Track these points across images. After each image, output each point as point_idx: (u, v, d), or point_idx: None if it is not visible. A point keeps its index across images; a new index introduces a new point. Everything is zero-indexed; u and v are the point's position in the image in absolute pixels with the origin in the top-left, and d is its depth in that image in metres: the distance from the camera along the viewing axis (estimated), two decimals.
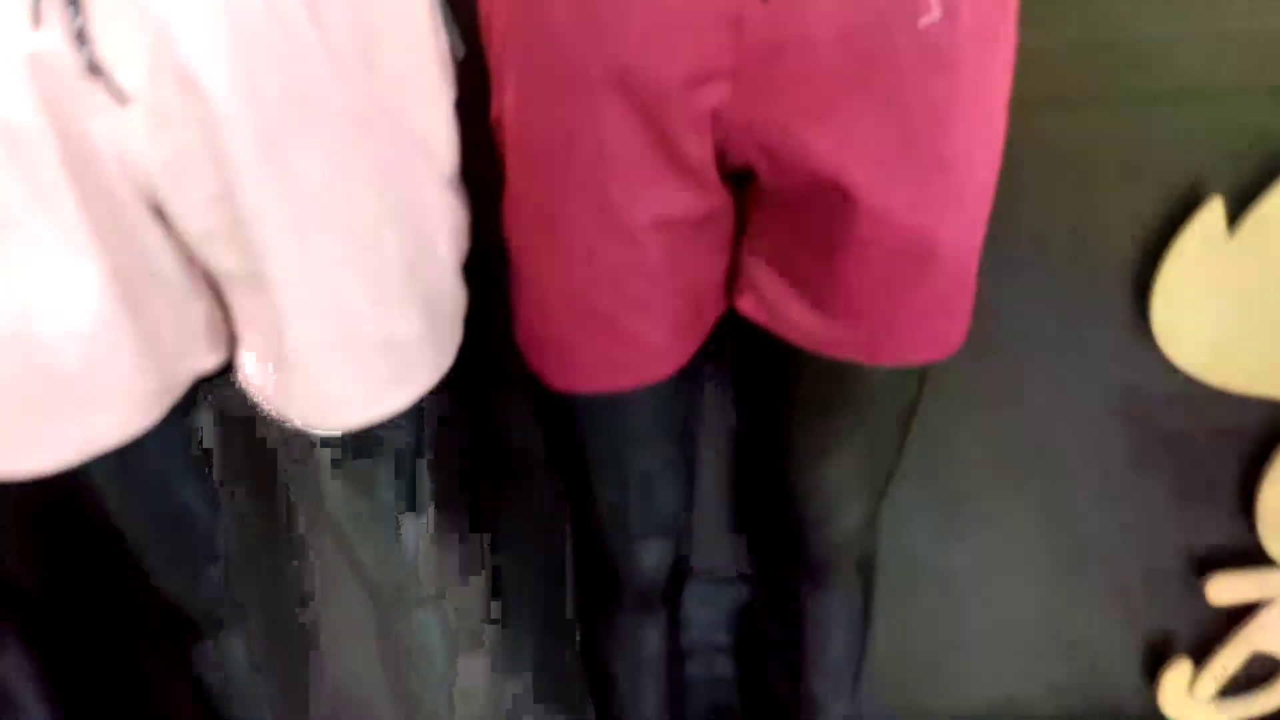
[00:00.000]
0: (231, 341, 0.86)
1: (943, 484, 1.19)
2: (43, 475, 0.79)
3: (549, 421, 0.93)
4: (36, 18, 0.63)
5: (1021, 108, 0.79)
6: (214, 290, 0.83)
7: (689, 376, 0.88)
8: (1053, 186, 1.02)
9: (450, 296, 0.84)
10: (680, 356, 0.85)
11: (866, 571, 1.07)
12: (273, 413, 0.84)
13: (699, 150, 0.73)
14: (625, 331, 0.81)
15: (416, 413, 0.86)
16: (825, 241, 0.76)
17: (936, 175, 0.73)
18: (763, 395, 0.96)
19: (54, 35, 0.64)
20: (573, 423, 0.90)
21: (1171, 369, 1.09)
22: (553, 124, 0.72)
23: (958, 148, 0.73)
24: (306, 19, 0.67)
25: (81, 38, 0.64)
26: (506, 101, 0.75)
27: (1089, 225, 1.05)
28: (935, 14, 0.67)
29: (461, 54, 0.78)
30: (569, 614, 1.13)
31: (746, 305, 0.86)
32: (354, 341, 0.78)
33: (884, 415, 0.90)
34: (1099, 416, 1.15)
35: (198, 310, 0.83)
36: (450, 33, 0.77)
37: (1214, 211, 1.00)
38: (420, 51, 0.74)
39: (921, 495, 1.16)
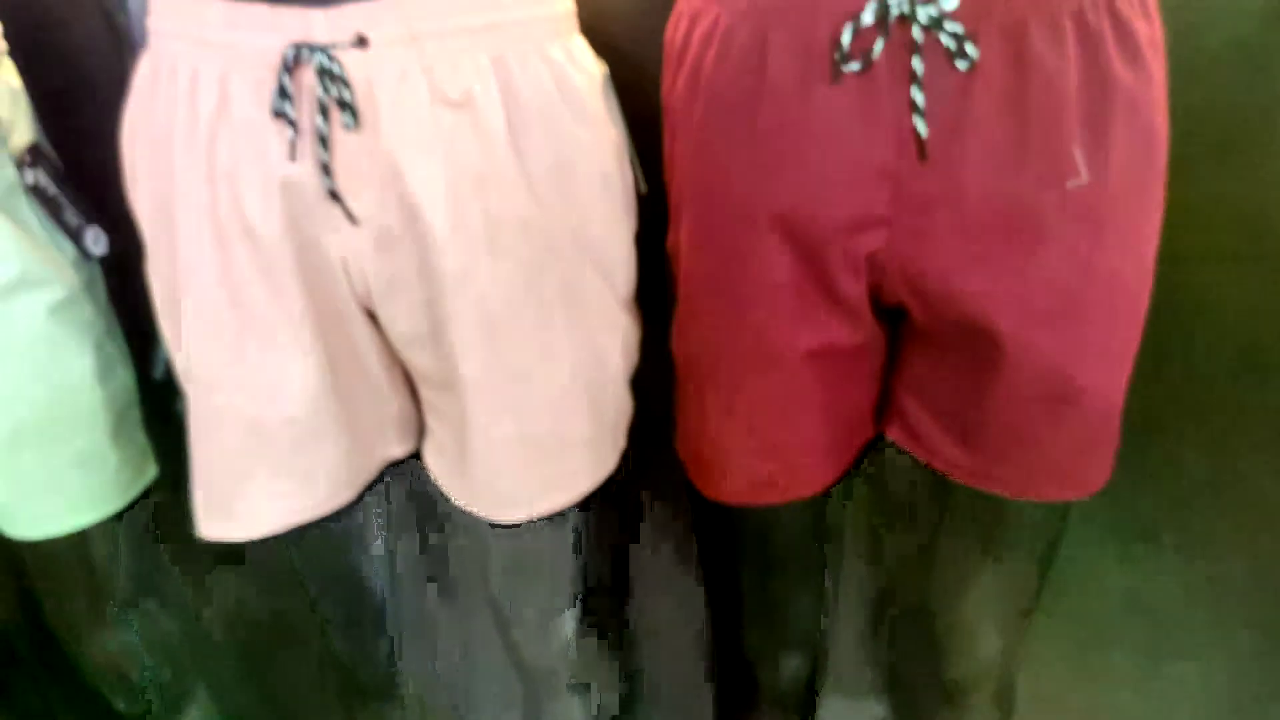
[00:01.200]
0: (419, 433, 0.96)
1: (1086, 623, 1.19)
2: (251, 539, 0.89)
3: (701, 527, 0.99)
4: (293, 153, 0.75)
5: (1180, 261, 0.82)
6: (409, 387, 0.93)
7: (837, 495, 0.93)
8: (1211, 334, 1.04)
9: (618, 405, 0.92)
10: (829, 476, 0.90)
11: (1005, 702, 1.08)
12: (450, 500, 0.93)
13: (854, 289, 0.79)
14: (779, 451, 0.86)
15: (579, 510, 0.93)
16: (972, 379, 0.81)
17: (1081, 323, 0.76)
18: (907, 518, 0.99)
19: (305, 167, 0.75)
20: (724, 531, 0.96)
21: None
22: (721, 258, 0.80)
23: (1102, 298, 0.76)
24: (513, 158, 0.77)
25: (326, 170, 0.75)
26: (682, 235, 0.83)
27: (1247, 371, 1.06)
28: (1083, 178, 0.72)
29: (644, 190, 0.87)
30: (708, 715, 1.17)
31: (895, 433, 0.91)
32: (529, 441, 0.86)
33: (1026, 547, 0.92)
34: (1254, 561, 1.14)
35: (394, 404, 0.93)
36: (635, 171, 0.86)
37: None
38: (609, 187, 0.83)
39: (1064, 633, 1.16)
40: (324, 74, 0.73)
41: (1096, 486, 0.86)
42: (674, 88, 0.81)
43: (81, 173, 0.94)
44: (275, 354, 0.82)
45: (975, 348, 0.79)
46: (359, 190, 0.77)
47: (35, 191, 0.90)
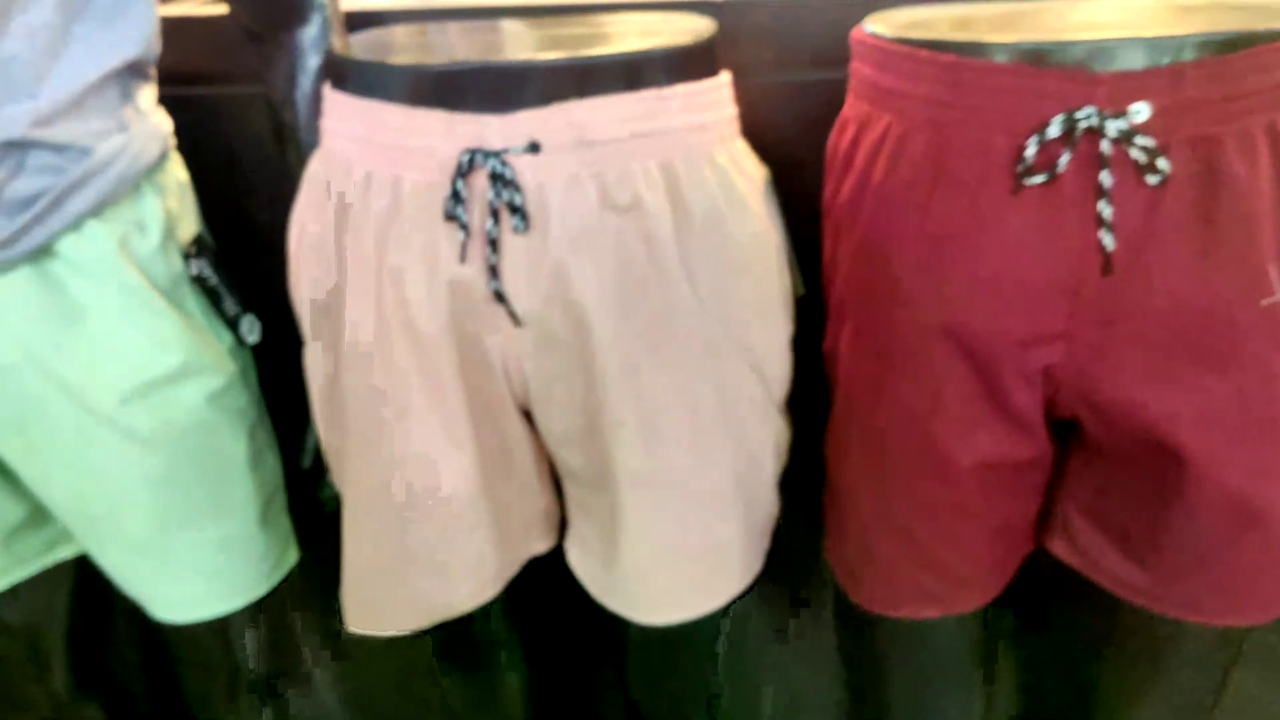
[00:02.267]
0: (561, 530, 0.95)
1: None
2: (398, 634, 0.88)
3: (848, 632, 0.96)
4: (464, 255, 0.75)
5: None
6: (555, 483, 0.93)
7: (993, 609, 0.90)
8: None
9: (768, 508, 0.90)
10: (990, 591, 0.87)
11: None
12: (595, 598, 0.91)
13: (1029, 402, 0.76)
14: (939, 563, 0.84)
15: (724, 613, 0.91)
16: (1151, 497, 0.78)
17: (1271, 444, 0.73)
18: (1067, 635, 0.95)
19: (474, 269, 0.76)
20: (875, 641, 0.93)
21: None
22: (888, 365, 0.78)
23: None
24: (677, 261, 0.76)
25: (494, 272, 0.75)
26: (843, 339, 0.82)
27: None
28: (1279, 295, 0.69)
29: (802, 292, 0.86)
30: None
31: (1059, 548, 0.87)
32: (681, 544, 0.85)
33: (1197, 673, 0.87)
34: None
35: (540, 500, 0.92)
36: (794, 273, 0.85)
37: None
38: (769, 290, 0.82)
39: None
40: (496, 179, 0.73)
41: (1277, 612, 0.81)
42: (838, 193, 0.80)
43: (236, 263, 0.97)
44: (431, 448, 0.83)
45: (1154, 464, 0.76)
46: (523, 292, 0.77)
47: (198, 282, 0.92)
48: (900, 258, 0.75)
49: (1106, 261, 0.69)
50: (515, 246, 0.76)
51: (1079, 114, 0.67)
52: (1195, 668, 0.87)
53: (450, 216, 0.74)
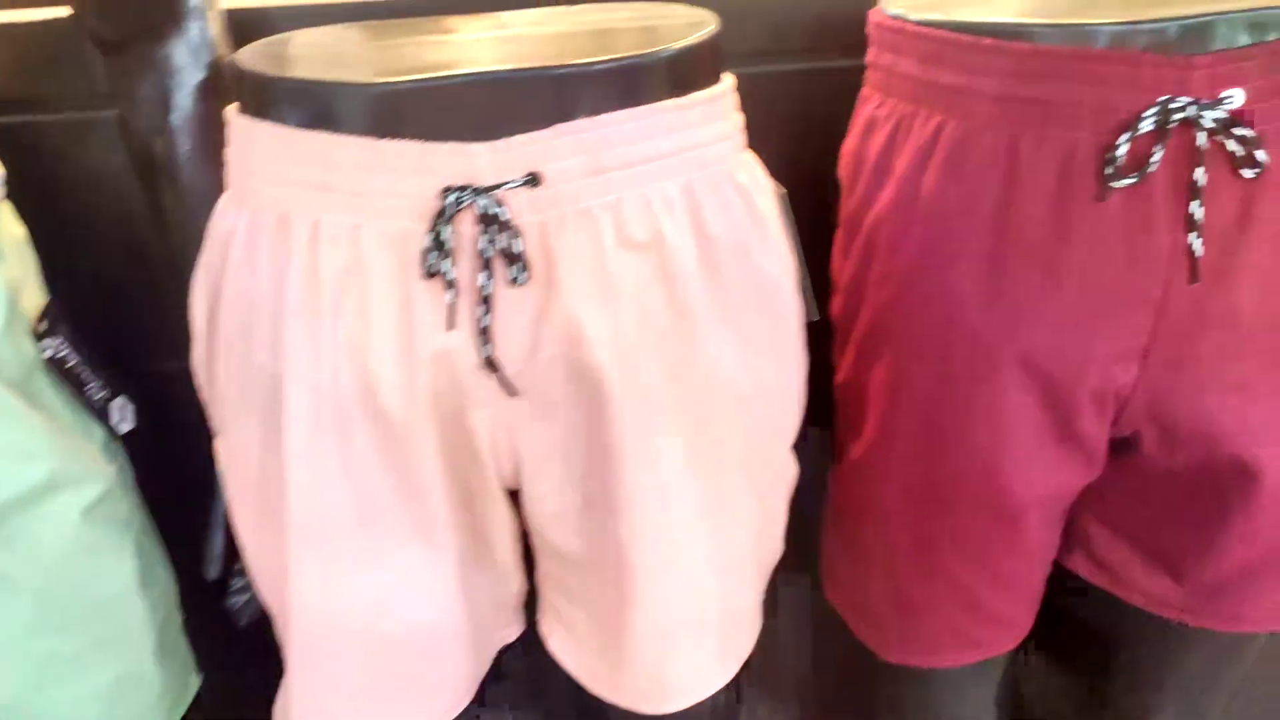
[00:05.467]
0: (528, 611, 0.82)
1: None
2: None
3: (872, 687, 0.87)
4: (452, 320, 0.60)
5: None
6: (527, 561, 0.79)
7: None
8: None
9: (776, 555, 0.79)
10: (1026, 627, 0.79)
11: None
12: (590, 689, 0.78)
13: (1096, 426, 0.69)
14: (984, 606, 0.76)
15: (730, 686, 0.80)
16: (1207, 513, 0.72)
17: None
18: (1082, 659, 0.90)
19: (461, 335, 0.61)
20: (897, 691, 0.84)
21: None
22: (944, 400, 0.69)
23: None
24: (702, 307, 0.63)
25: (486, 336, 0.61)
26: (876, 372, 0.72)
27: None
28: None
29: (816, 318, 0.75)
30: None
31: (1079, 564, 0.81)
32: (697, 621, 0.73)
33: (1224, 681, 0.84)
34: None
35: (514, 584, 0.78)
36: (808, 299, 0.74)
37: None
38: (790, 325, 0.70)
39: None
40: (488, 221, 0.58)
41: None
42: (869, 207, 0.69)
43: (89, 333, 0.77)
44: (403, 555, 0.67)
45: (1221, 481, 0.70)
46: (520, 355, 0.62)
47: (55, 366, 0.72)
48: (964, 280, 0.65)
49: (1194, 268, 0.62)
50: (510, 302, 0.61)
51: (1174, 104, 0.59)
52: (1216, 671, 0.83)
53: (432, 273, 0.59)
